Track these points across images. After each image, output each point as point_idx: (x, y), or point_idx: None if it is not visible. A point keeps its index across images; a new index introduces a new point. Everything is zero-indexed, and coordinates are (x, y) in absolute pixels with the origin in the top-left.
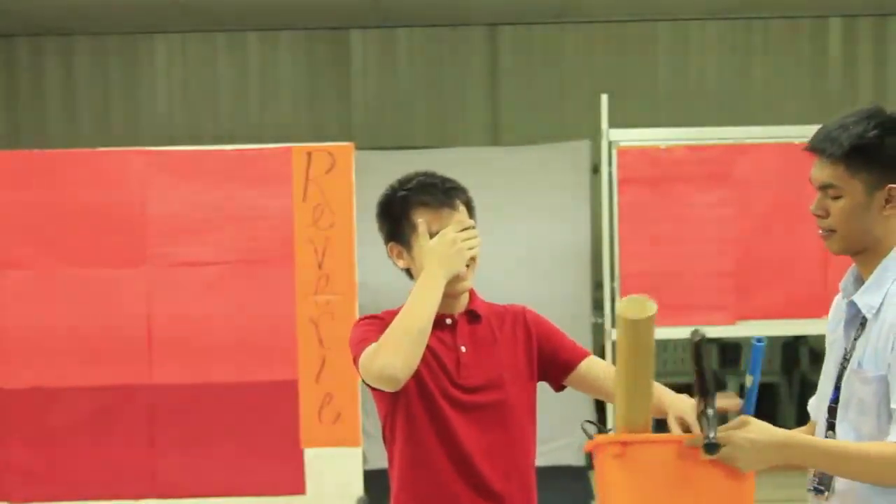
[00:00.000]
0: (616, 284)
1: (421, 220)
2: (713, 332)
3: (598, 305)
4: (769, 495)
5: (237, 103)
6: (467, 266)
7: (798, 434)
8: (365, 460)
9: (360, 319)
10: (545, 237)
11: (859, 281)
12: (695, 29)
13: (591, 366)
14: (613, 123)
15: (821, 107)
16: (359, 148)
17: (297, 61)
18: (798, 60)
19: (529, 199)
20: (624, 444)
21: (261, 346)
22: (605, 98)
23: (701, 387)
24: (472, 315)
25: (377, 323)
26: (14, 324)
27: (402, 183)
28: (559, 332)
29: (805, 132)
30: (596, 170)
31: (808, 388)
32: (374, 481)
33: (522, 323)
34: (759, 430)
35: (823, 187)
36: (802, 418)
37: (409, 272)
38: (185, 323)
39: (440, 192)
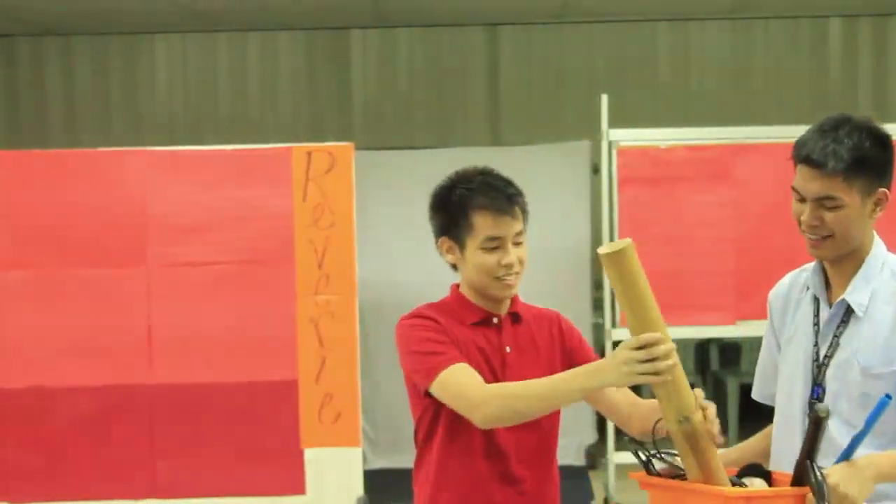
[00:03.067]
0: None
1: (480, 221)
2: (713, 332)
3: (598, 305)
4: None
5: (237, 103)
6: (516, 273)
7: (874, 455)
8: (365, 460)
9: (411, 321)
10: (545, 237)
11: (826, 281)
12: (695, 29)
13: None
14: (613, 123)
15: (820, 107)
16: (359, 148)
17: (297, 61)
18: (798, 60)
19: (529, 199)
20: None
21: (261, 346)
22: (605, 98)
23: (809, 454)
24: (514, 317)
25: (433, 327)
26: (14, 323)
27: (462, 179)
28: (588, 346)
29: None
30: (596, 170)
31: None
32: (374, 481)
33: (558, 329)
34: (851, 473)
35: (820, 199)
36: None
37: (454, 267)
38: (185, 323)
39: (503, 198)
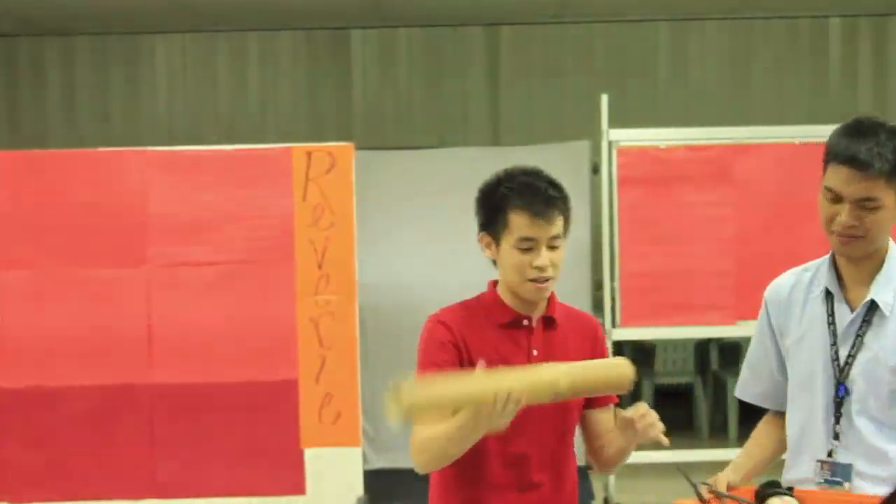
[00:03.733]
0: (616, 284)
1: (515, 221)
2: (713, 332)
3: (598, 305)
4: None
5: (237, 103)
6: (548, 277)
7: None
8: (365, 460)
9: (428, 325)
10: None
11: (839, 280)
12: (695, 29)
13: (610, 417)
14: (613, 123)
15: (820, 107)
16: (359, 148)
17: (297, 61)
18: (798, 60)
19: None
20: None
21: (261, 345)
22: (605, 98)
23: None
24: (548, 321)
25: (439, 338)
26: (14, 323)
27: (507, 178)
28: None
29: (804, 132)
30: (596, 170)
31: None
32: (374, 481)
33: (592, 340)
34: None
35: (861, 200)
36: None
37: (494, 262)
38: (185, 323)
39: (541, 201)
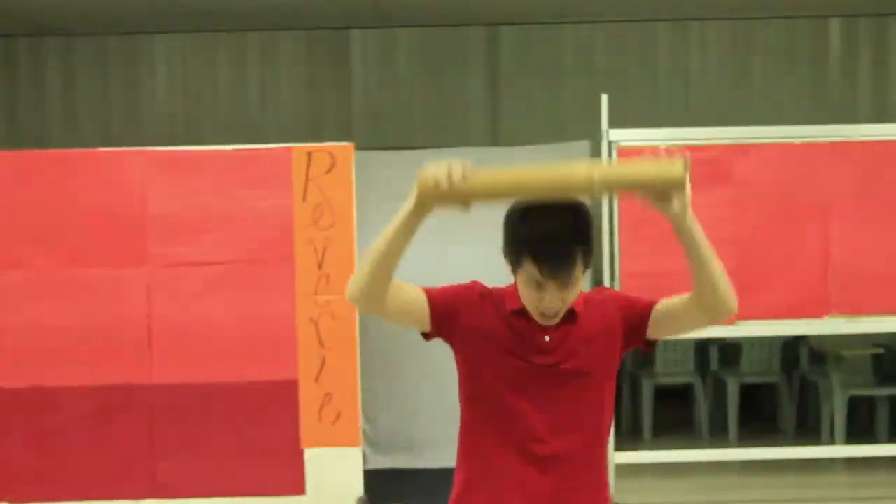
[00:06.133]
0: (616, 285)
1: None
2: (713, 331)
3: None
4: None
5: (237, 103)
6: (556, 312)
7: None
8: (365, 460)
9: (471, 282)
10: None
11: None
12: (694, 29)
13: (664, 303)
14: (613, 123)
15: (820, 107)
16: (359, 148)
17: (297, 61)
18: (798, 60)
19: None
20: None
21: (261, 346)
22: (604, 98)
23: None
24: (569, 314)
25: (465, 287)
26: (14, 323)
27: (526, 214)
28: (629, 298)
29: (805, 132)
30: None
31: (809, 388)
32: (374, 481)
33: (614, 300)
34: None
35: None
36: (803, 419)
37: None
38: (185, 323)
39: (555, 261)
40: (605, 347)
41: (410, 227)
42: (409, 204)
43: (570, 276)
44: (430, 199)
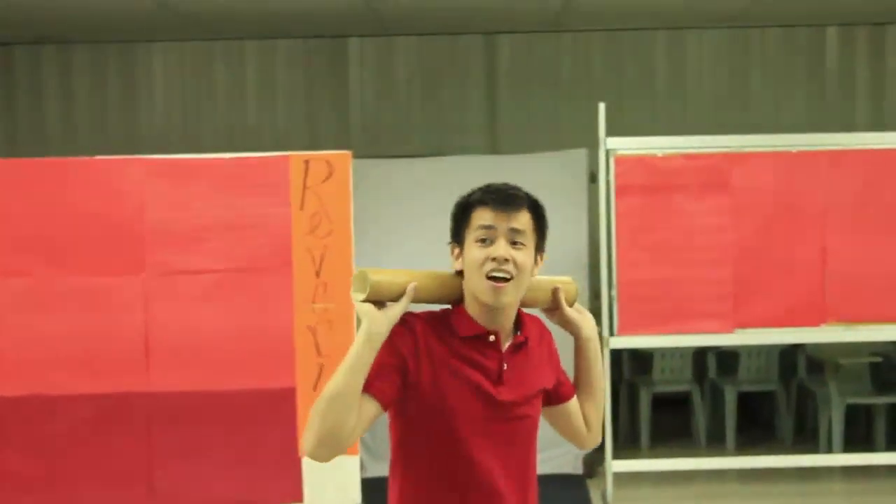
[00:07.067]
0: (614, 293)
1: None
2: (711, 340)
3: (596, 314)
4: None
5: (235, 112)
6: (506, 273)
7: None
8: (362, 468)
9: (395, 327)
10: None
11: None
12: (692, 38)
13: (573, 402)
14: (611, 132)
15: (817, 116)
16: (356, 156)
17: (294, 70)
18: (795, 69)
19: None
20: None
21: (258, 354)
22: (602, 107)
23: None
24: (516, 347)
25: (397, 340)
26: (12, 331)
27: (475, 189)
28: (563, 373)
29: (802, 141)
30: (593, 178)
31: (806, 396)
32: (372, 489)
33: (548, 344)
34: None
35: None
36: (801, 427)
37: (460, 273)
38: (182, 331)
39: (502, 195)
40: (540, 390)
41: (366, 359)
42: (361, 335)
43: (518, 222)
44: (379, 319)
